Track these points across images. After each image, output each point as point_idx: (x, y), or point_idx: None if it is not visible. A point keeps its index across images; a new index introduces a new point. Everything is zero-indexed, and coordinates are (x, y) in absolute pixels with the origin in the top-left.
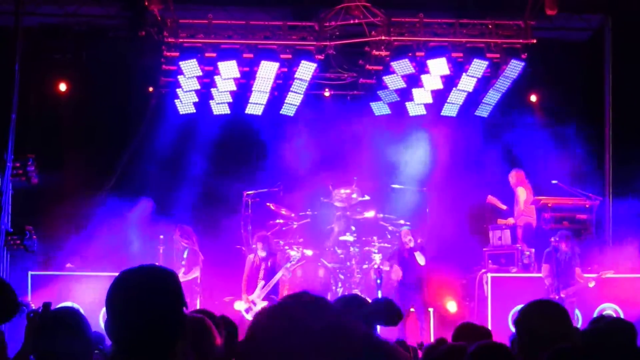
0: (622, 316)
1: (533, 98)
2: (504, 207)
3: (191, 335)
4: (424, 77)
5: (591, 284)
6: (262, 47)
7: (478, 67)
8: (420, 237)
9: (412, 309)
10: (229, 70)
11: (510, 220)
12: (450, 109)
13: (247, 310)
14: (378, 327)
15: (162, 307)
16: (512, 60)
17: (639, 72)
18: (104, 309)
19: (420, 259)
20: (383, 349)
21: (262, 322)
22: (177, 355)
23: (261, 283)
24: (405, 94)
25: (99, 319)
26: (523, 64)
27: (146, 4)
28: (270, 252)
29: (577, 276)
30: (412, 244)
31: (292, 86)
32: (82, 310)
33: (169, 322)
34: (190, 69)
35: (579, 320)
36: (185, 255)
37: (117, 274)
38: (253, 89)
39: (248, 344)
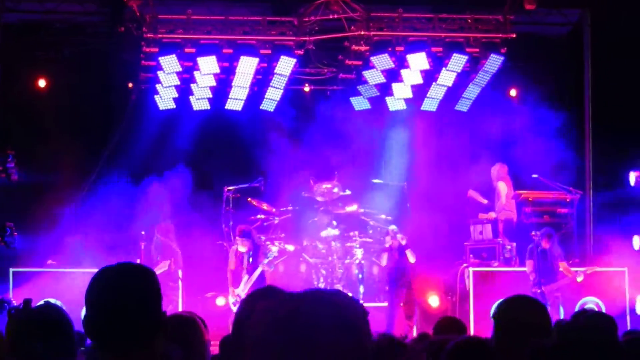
0: (603, 310)
1: (513, 92)
2: (485, 201)
3: (178, 333)
4: (403, 72)
5: (579, 278)
6: (242, 42)
7: (458, 61)
8: (401, 232)
9: (401, 304)
10: (208, 66)
11: (492, 215)
12: (430, 104)
13: (235, 304)
14: None
15: (139, 304)
16: (491, 55)
17: (618, 67)
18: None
19: (412, 257)
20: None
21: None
22: (155, 352)
23: (245, 277)
24: (385, 89)
25: (80, 316)
26: (502, 58)
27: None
28: (253, 246)
29: (564, 270)
30: (404, 242)
31: (272, 81)
32: (63, 307)
33: (145, 319)
34: (169, 64)
35: (561, 315)
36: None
37: (97, 270)
38: (233, 84)
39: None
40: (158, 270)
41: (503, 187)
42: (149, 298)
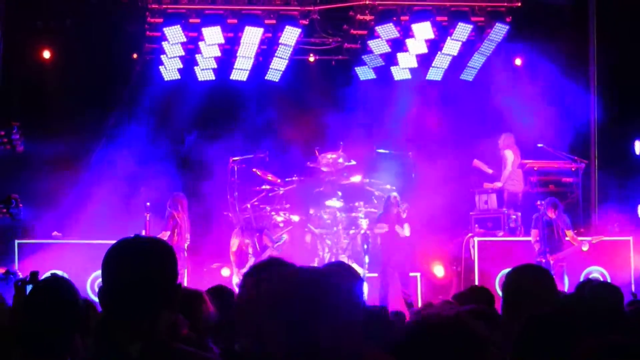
0: (608, 280)
1: (518, 61)
2: (490, 170)
3: (185, 305)
4: (408, 42)
5: (585, 247)
6: (246, 12)
7: (463, 30)
8: (406, 201)
9: (396, 274)
10: (213, 36)
11: (497, 184)
12: (435, 73)
13: (238, 285)
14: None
15: (155, 278)
16: (496, 24)
17: (624, 35)
18: (90, 277)
19: (407, 231)
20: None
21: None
22: (166, 324)
23: (252, 259)
24: (390, 59)
25: (86, 288)
26: (508, 27)
27: None
28: (256, 232)
29: (570, 239)
30: (404, 215)
31: (277, 51)
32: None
33: (161, 292)
34: (174, 35)
35: (565, 284)
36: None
37: (103, 242)
38: (237, 54)
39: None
40: None
41: (510, 155)
42: (165, 271)
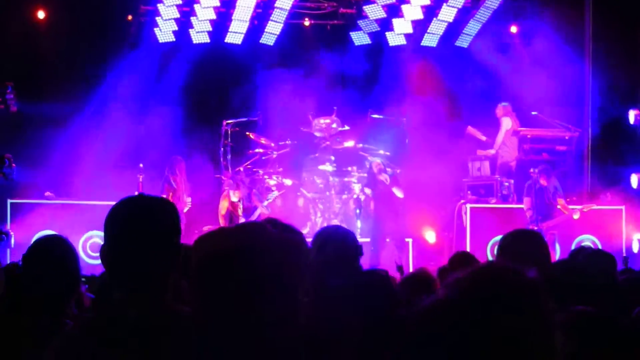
0: (600, 248)
1: (513, 29)
2: (484, 138)
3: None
4: (404, 7)
5: (576, 216)
6: None
7: None
8: (399, 167)
9: (387, 240)
10: None
11: (490, 152)
12: (430, 39)
13: None
14: None
15: (158, 236)
16: None
17: (620, 3)
18: (83, 238)
19: (399, 193)
20: None
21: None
22: (170, 285)
23: (242, 220)
24: (385, 24)
25: (78, 248)
26: None
27: None
28: (246, 191)
29: (561, 208)
30: (387, 181)
31: (272, 15)
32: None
33: (164, 252)
34: None
35: (557, 252)
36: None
37: (96, 202)
38: (233, 17)
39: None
40: None
41: (507, 123)
42: (168, 231)
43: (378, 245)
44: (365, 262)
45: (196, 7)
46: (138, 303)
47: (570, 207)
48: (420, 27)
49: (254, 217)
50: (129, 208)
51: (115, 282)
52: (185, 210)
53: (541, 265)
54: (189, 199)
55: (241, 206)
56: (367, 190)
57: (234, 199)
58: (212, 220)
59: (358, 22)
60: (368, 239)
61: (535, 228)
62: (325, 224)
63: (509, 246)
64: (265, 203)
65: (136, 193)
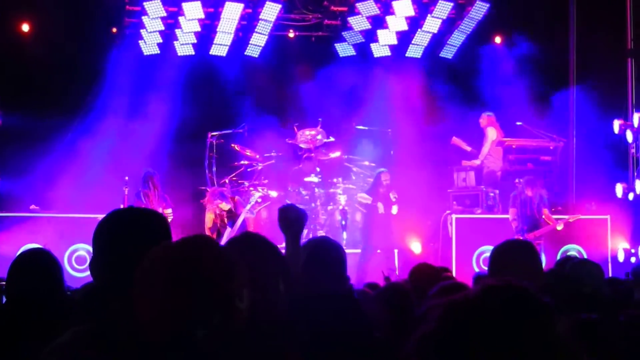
0: (585, 257)
1: (498, 39)
2: (469, 148)
3: None
4: (388, 18)
5: (559, 227)
6: None
7: (443, 8)
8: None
9: (378, 251)
10: (193, 11)
11: (475, 162)
12: (415, 50)
13: None
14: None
15: (153, 245)
16: (477, 2)
17: (604, 14)
18: (68, 251)
19: (395, 210)
20: None
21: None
22: None
23: (228, 230)
24: (370, 35)
25: (63, 261)
26: (488, 5)
27: None
28: (230, 198)
29: (545, 218)
30: (394, 199)
31: (257, 27)
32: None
33: None
34: (154, 9)
35: (543, 263)
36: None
37: (81, 215)
38: (217, 30)
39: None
40: None
41: (492, 133)
42: (161, 241)
43: (367, 256)
44: (352, 273)
45: (181, 19)
46: (129, 313)
47: (555, 217)
48: (405, 38)
49: (238, 223)
50: (120, 220)
51: (109, 294)
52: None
53: (534, 275)
54: (168, 211)
55: (226, 216)
56: (365, 197)
57: (225, 208)
58: (197, 232)
59: (343, 33)
60: (354, 250)
61: (521, 238)
62: (310, 235)
63: (501, 257)
64: (248, 207)
65: (121, 206)
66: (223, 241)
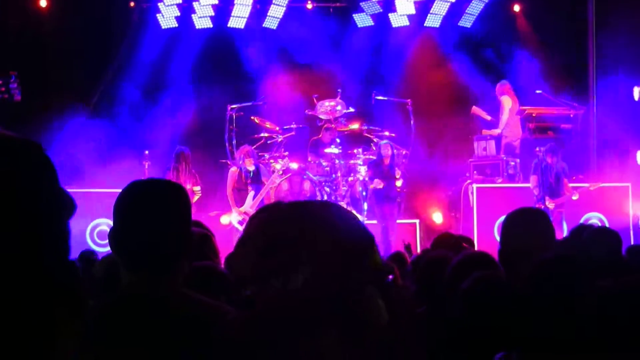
0: (607, 225)
1: (516, 8)
2: (489, 117)
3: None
4: None
5: (575, 197)
6: None
7: None
8: (405, 149)
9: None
10: None
11: (495, 131)
12: (433, 20)
13: (241, 223)
14: None
15: (171, 219)
16: None
17: None
18: (90, 226)
19: (399, 183)
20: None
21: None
22: (181, 272)
23: (251, 193)
24: (388, 5)
25: (85, 236)
26: None
27: None
28: (256, 164)
29: (565, 187)
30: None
31: None
32: None
33: (177, 235)
34: None
35: (564, 230)
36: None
37: (101, 190)
38: (235, 2)
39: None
40: None
41: (507, 102)
42: (179, 214)
43: (386, 225)
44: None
45: None
46: (148, 286)
47: (575, 185)
48: (423, 7)
49: (264, 193)
50: (139, 191)
51: (124, 265)
52: (195, 199)
53: (546, 243)
54: (197, 188)
55: (250, 177)
56: (378, 183)
57: (251, 167)
58: (218, 205)
59: (361, 4)
60: (375, 221)
61: (542, 207)
62: None
63: (513, 225)
64: (278, 181)
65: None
66: (248, 205)
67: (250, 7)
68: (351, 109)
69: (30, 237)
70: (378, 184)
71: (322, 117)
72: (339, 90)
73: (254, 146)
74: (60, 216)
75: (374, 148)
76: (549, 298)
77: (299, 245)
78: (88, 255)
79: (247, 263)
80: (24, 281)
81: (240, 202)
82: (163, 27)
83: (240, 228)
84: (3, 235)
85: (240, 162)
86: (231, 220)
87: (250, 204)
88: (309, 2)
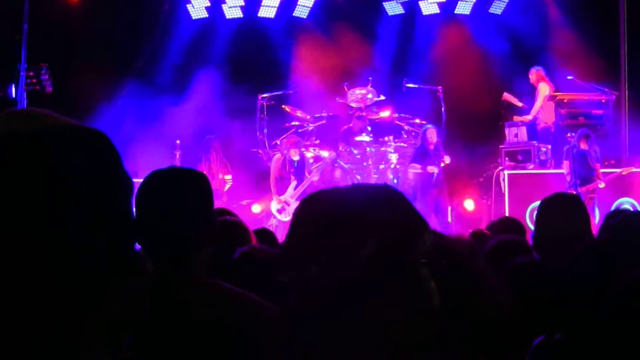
0: (639, 210)
1: None
2: (520, 104)
3: (226, 236)
4: None
5: (601, 185)
6: None
7: None
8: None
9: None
10: None
11: (527, 117)
12: (464, 7)
13: (279, 211)
14: None
15: (192, 207)
16: None
17: None
18: None
19: (447, 159)
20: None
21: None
22: (204, 261)
23: (293, 183)
24: None
25: None
26: None
27: None
28: (301, 154)
29: (596, 173)
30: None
31: None
32: None
33: (198, 223)
34: None
35: (597, 216)
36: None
37: (135, 180)
38: None
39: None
40: None
41: (544, 89)
42: (202, 202)
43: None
44: None
45: None
46: (172, 275)
47: (608, 170)
48: None
49: (306, 183)
50: (158, 180)
51: (146, 254)
52: (226, 188)
53: (581, 228)
54: (228, 177)
55: (294, 167)
56: (415, 167)
57: (296, 157)
58: (249, 194)
59: None
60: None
61: (574, 192)
62: None
63: (548, 210)
64: (316, 176)
65: None
66: (289, 194)
67: None
68: (382, 97)
69: (100, 215)
70: (432, 169)
71: (353, 105)
72: (369, 78)
73: (284, 136)
74: (125, 195)
75: (405, 136)
76: (592, 283)
77: (358, 225)
78: None
79: (304, 245)
80: (96, 255)
81: (281, 190)
82: (193, 18)
83: (279, 216)
84: (76, 213)
85: (285, 152)
86: (271, 208)
87: (291, 194)
88: None
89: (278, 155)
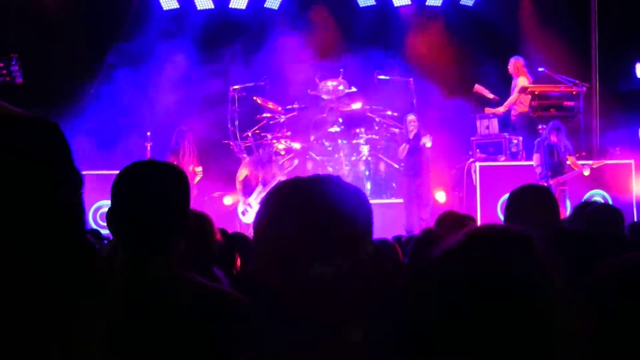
0: (610, 203)
1: None
2: (491, 96)
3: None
4: None
5: (586, 172)
6: None
7: None
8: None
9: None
10: None
11: (500, 109)
12: None
13: (243, 213)
14: None
15: (168, 200)
16: None
17: None
18: (93, 207)
19: (427, 141)
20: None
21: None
22: (177, 253)
23: (259, 188)
24: None
25: (88, 219)
26: None
27: None
28: (267, 164)
29: (571, 164)
30: (413, 133)
31: None
32: None
33: (173, 215)
34: None
35: (568, 208)
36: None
37: (104, 172)
38: None
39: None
40: None
41: (524, 81)
42: (180, 195)
43: (410, 204)
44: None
45: None
46: (144, 266)
47: (580, 162)
48: None
49: (271, 185)
50: (136, 171)
51: (120, 245)
52: (196, 180)
53: (551, 219)
54: (199, 169)
55: (262, 174)
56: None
57: (259, 174)
58: (220, 186)
59: None
60: (378, 201)
61: (545, 184)
62: None
63: (518, 202)
64: (286, 171)
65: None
66: (254, 197)
67: None
68: (353, 89)
69: (50, 205)
70: (428, 140)
71: (325, 96)
72: (341, 70)
73: (256, 128)
74: (75, 187)
75: (377, 127)
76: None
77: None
78: (96, 232)
79: (303, 245)
80: (47, 244)
81: (248, 192)
82: (164, 9)
83: (243, 218)
84: (24, 203)
85: (251, 169)
86: (238, 210)
87: (255, 197)
88: None
89: (245, 171)
